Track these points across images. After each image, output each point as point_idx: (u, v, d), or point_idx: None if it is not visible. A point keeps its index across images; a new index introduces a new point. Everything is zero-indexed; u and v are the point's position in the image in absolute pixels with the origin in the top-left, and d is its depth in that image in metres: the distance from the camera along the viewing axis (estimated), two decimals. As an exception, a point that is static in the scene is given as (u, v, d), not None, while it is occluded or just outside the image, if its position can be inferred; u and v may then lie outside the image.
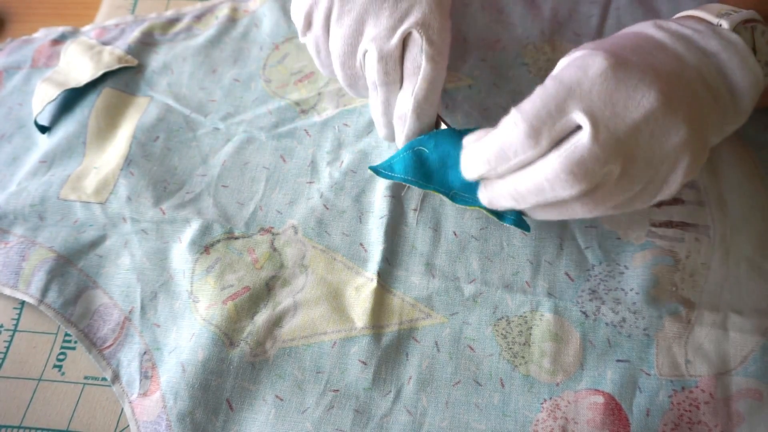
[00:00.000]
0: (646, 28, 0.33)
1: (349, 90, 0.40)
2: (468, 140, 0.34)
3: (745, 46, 0.32)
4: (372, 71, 0.36)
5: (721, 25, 0.33)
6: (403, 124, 0.37)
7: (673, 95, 0.29)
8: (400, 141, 0.38)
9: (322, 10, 0.37)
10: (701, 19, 0.34)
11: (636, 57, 0.30)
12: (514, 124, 0.30)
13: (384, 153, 0.44)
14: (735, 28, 0.33)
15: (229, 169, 0.45)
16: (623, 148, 0.29)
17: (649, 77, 0.29)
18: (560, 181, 0.29)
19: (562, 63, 0.32)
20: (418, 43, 0.35)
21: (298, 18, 0.39)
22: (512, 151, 0.30)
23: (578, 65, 0.30)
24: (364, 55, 0.36)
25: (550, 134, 0.29)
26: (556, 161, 0.29)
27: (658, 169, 0.30)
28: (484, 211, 0.36)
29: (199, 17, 0.53)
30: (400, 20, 0.35)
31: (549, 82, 0.30)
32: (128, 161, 0.45)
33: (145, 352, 0.39)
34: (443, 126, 0.38)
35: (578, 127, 0.29)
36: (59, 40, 0.53)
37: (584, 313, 0.38)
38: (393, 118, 0.38)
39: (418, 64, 0.35)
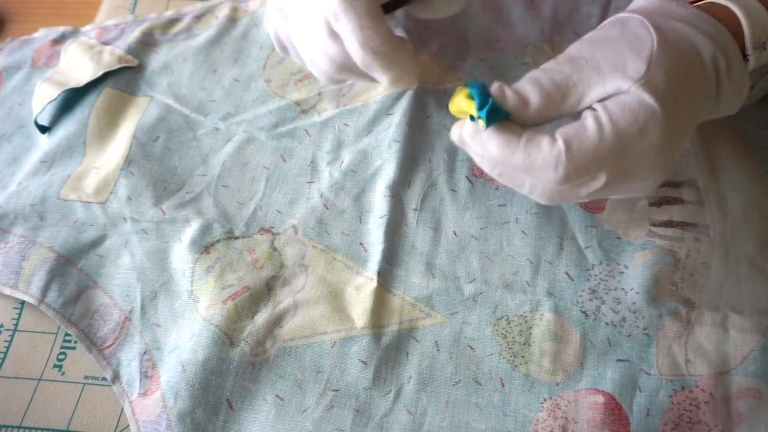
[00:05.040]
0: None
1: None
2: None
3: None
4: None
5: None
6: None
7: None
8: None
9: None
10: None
11: None
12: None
13: (384, 152, 0.44)
14: None
15: (229, 169, 0.45)
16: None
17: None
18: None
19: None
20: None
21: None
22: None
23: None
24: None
25: None
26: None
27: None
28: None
29: (199, 17, 0.53)
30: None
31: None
32: (128, 161, 0.45)
33: (145, 352, 0.39)
34: None
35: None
36: (59, 40, 0.53)
37: (584, 312, 0.38)
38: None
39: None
